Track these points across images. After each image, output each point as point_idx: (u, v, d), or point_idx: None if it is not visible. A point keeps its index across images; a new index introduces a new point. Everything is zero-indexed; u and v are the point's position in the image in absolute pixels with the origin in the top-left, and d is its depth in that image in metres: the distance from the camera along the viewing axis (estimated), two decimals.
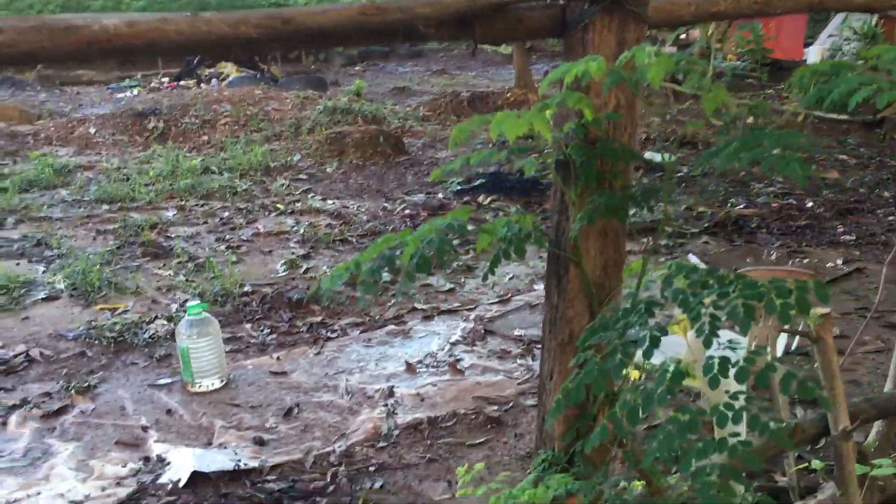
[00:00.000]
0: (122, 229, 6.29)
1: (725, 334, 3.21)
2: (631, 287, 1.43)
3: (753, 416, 1.13)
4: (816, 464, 1.59)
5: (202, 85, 13.92)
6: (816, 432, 1.60)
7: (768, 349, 2.88)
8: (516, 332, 4.51)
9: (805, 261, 5.70)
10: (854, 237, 6.18)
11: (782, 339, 2.96)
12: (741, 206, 6.94)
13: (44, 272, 5.38)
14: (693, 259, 5.72)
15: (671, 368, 1.17)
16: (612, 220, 1.18)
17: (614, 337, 1.15)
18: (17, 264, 5.56)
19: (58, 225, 6.49)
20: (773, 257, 5.78)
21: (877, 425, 1.78)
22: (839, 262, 5.66)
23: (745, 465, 1.12)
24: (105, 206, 7.02)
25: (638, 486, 1.52)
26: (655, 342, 1.14)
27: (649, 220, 6.61)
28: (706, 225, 6.46)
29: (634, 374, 1.29)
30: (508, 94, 11.86)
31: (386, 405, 3.67)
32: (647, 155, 8.80)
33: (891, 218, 6.69)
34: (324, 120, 10.02)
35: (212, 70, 14.33)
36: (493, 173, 7.78)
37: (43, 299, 4.92)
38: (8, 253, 5.82)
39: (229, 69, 14.17)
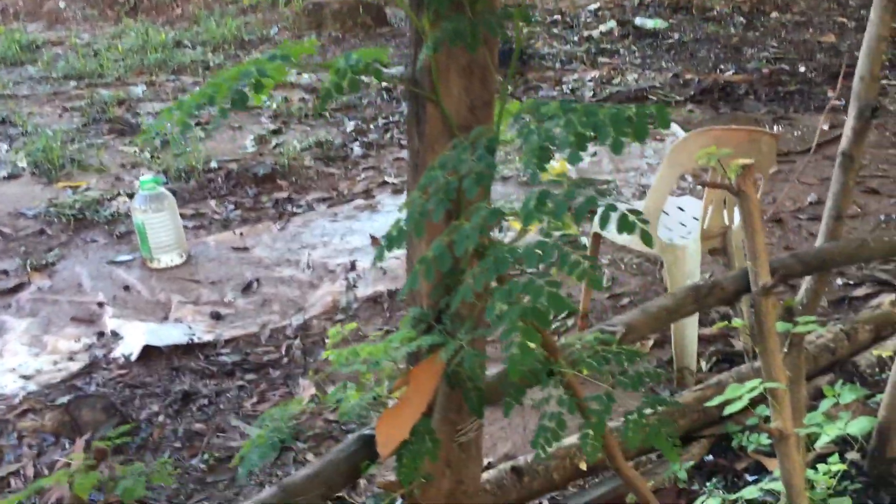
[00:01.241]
0: (88, 106, 6.10)
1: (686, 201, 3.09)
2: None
3: (564, 256, 1.03)
4: (737, 322, 1.53)
5: None
6: (736, 289, 1.52)
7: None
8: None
9: (790, 126, 5.54)
10: (844, 102, 5.97)
11: None
12: (730, 73, 6.69)
13: (7, 150, 5.24)
14: (675, 128, 5.55)
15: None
16: (481, 54, 1.04)
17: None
18: None
19: (23, 102, 6.29)
20: (758, 124, 5.61)
21: (806, 281, 1.70)
22: (825, 127, 5.48)
23: (554, 307, 1.03)
24: (73, 83, 6.79)
25: None
26: (481, 179, 1.02)
27: (634, 90, 6.43)
28: (692, 93, 6.24)
29: (515, 224, 1.19)
30: None
31: (347, 279, 3.62)
32: (638, 21, 8.45)
33: (883, 82, 6.46)
34: None
35: None
36: None
37: (4, 178, 4.80)
38: None
39: None
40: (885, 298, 3.16)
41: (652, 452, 2.33)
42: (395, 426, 1.11)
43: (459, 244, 1.04)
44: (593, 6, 9.42)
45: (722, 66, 6.91)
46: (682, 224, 2.88)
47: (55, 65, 7.23)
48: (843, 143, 1.70)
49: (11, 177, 4.82)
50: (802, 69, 6.79)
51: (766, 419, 1.63)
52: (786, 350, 1.71)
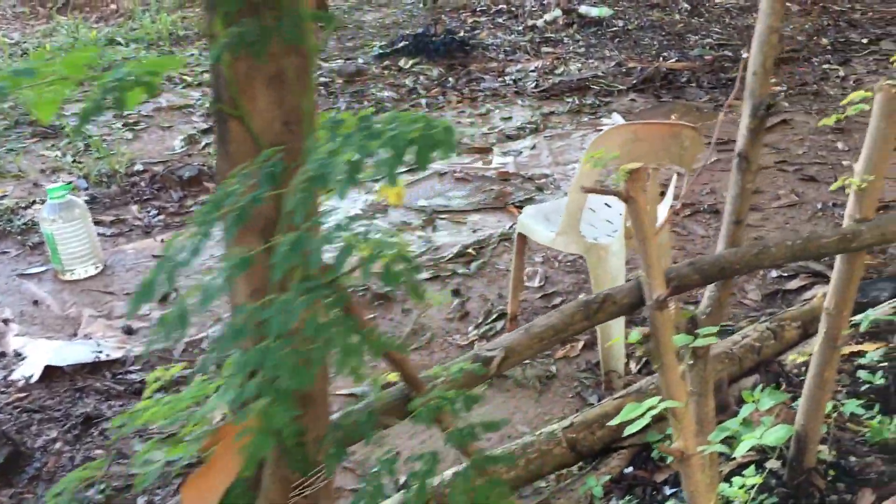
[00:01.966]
0: (12, 109, 5.84)
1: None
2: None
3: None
4: (633, 336, 1.43)
5: None
6: (630, 302, 1.41)
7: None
8: (420, 203, 4.29)
9: (732, 114, 5.48)
10: (785, 88, 5.95)
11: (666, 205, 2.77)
12: (673, 60, 6.62)
13: None
14: (616, 118, 5.47)
15: None
16: (294, 61, 0.91)
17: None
18: None
19: None
20: (700, 112, 5.54)
21: (709, 289, 1.60)
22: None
23: (297, 382, 0.90)
24: None
25: None
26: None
27: (577, 79, 6.34)
28: (634, 81, 6.17)
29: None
30: None
31: None
32: (583, 9, 8.36)
33: (825, 66, 6.44)
34: None
35: None
36: (417, 34, 7.33)
37: None
38: None
39: None
40: (819, 291, 3.10)
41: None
42: (204, 492, 0.98)
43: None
44: None
45: (665, 54, 6.85)
46: (608, 221, 2.78)
47: None
48: (739, 143, 1.60)
49: None
50: (745, 55, 6.74)
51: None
52: (690, 362, 1.61)
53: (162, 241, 3.90)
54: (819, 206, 4.04)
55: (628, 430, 1.51)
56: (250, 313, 0.95)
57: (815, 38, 7.32)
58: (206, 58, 7.17)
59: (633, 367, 2.83)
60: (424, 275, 3.54)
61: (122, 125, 5.55)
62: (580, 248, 2.66)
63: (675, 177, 2.76)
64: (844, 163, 4.57)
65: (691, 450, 1.47)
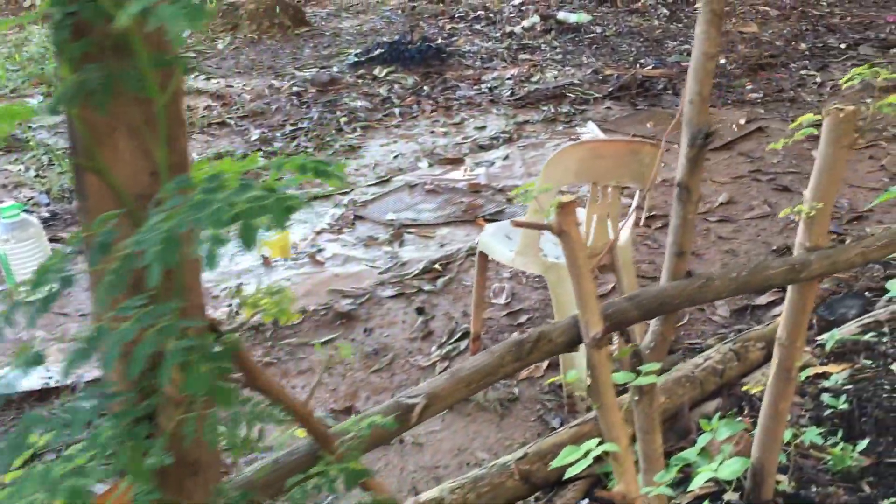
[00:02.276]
0: None
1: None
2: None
3: None
4: (571, 376, 1.35)
5: None
6: (566, 340, 1.34)
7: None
8: (388, 217, 4.21)
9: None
10: (762, 94, 5.90)
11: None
12: (650, 67, 6.57)
13: None
14: (591, 126, 5.42)
15: None
16: (170, 108, 0.83)
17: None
18: None
19: None
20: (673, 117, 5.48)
21: (653, 324, 1.54)
22: (742, 121, 5.39)
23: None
24: None
25: None
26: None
27: (553, 87, 6.27)
28: (611, 89, 6.11)
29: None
30: None
31: (230, 305, 3.39)
32: (561, 15, 8.31)
33: (803, 72, 6.41)
34: None
35: None
36: (393, 42, 7.26)
37: None
38: None
39: None
40: None
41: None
42: None
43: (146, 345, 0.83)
44: (517, 1, 9.26)
45: (642, 61, 6.80)
46: None
47: None
48: (679, 173, 1.52)
49: None
50: (722, 61, 6.71)
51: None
52: (636, 398, 1.54)
53: None
54: (793, 217, 3.98)
55: (569, 473, 1.44)
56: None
57: (793, 43, 7.29)
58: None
59: None
60: (389, 292, 3.46)
61: None
62: (539, 268, 2.60)
63: (637, 192, 2.69)
64: None
65: (634, 493, 1.40)
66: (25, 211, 3.58)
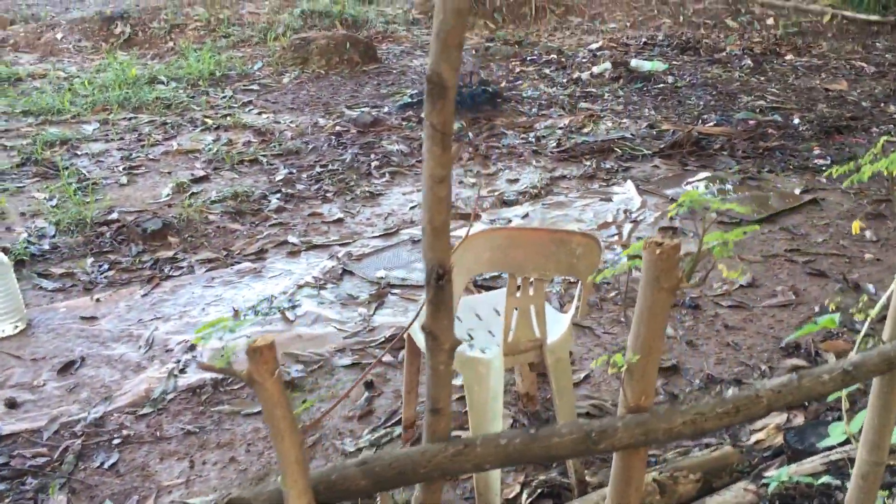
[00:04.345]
0: (30, 145, 5.92)
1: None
2: None
3: None
4: None
5: None
6: None
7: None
8: (379, 273, 4.00)
9: (758, 189, 4.96)
10: (829, 161, 5.37)
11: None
12: (711, 123, 6.13)
13: None
14: (629, 186, 5.05)
15: None
16: None
17: None
18: None
19: None
20: (724, 184, 5.05)
21: (417, 489, 1.25)
22: (797, 190, 4.91)
23: None
24: (29, 119, 6.66)
25: None
26: None
27: (602, 140, 5.93)
28: (662, 145, 5.72)
29: None
30: None
31: (178, 361, 3.24)
32: (633, 62, 7.95)
33: (885, 138, 5.80)
34: (297, 25, 9.38)
35: None
36: None
37: None
38: None
39: None
40: (766, 422, 2.63)
41: None
42: None
43: None
44: (595, 45, 8.94)
45: (705, 116, 6.35)
46: (490, 333, 2.41)
47: (20, 99, 7.12)
48: (424, 316, 1.23)
49: None
50: (796, 121, 6.19)
51: None
52: None
53: (97, 300, 3.76)
54: (817, 308, 3.53)
55: None
56: None
57: (882, 104, 6.67)
58: (239, 100, 7.15)
59: (525, 499, 2.44)
60: (346, 360, 3.24)
61: (124, 168, 5.52)
62: (456, 363, 2.31)
63: (580, 283, 2.37)
64: (867, 256, 4.02)
65: None
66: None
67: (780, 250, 4.13)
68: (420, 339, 2.46)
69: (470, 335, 2.44)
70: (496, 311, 2.49)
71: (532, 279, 2.20)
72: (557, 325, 2.37)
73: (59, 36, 9.49)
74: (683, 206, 1.24)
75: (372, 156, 5.71)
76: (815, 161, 5.40)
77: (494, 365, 2.28)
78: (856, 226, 3.84)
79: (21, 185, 5.23)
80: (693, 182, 5.10)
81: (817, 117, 6.27)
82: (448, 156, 0.98)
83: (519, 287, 2.22)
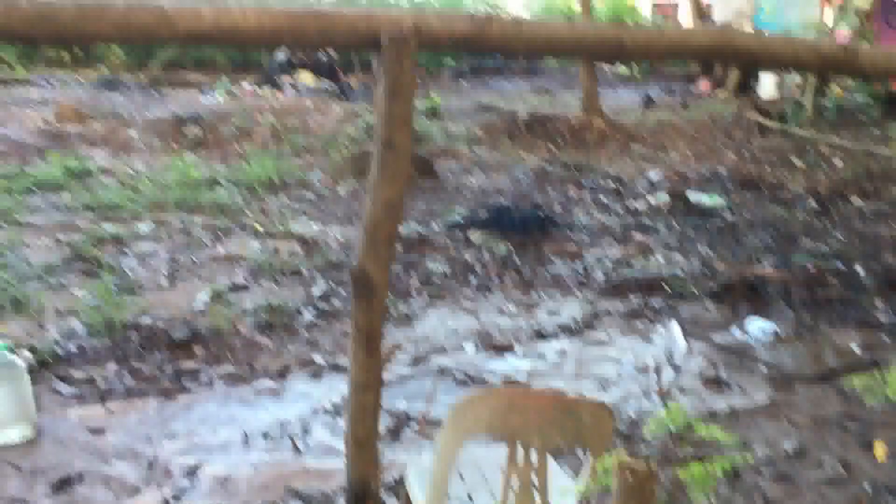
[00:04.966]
0: (82, 241, 6.03)
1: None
2: None
3: None
4: None
5: (279, 94, 13.85)
6: None
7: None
8: (398, 405, 3.83)
9: (813, 342, 4.67)
10: (893, 318, 5.06)
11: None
12: (768, 267, 5.89)
13: None
14: (674, 329, 4.82)
15: None
16: None
17: None
18: None
19: (26, 231, 6.31)
20: (777, 334, 4.78)
21: None
22: (856, 347, 4.60)
23: None
24: (89, 215, 6.82)
25: None
26: None
27: (652, 276, 5.73)
28: (714, 287, 5.49)
29: None
30: (572, 119, 11.04)
31: (176, 487, 3.10)
32: (692, 196, 7.80)
33: None
34: (361, 136, 9.58)
35: (291, 78, 14.21)
36: (499, 206, 7.06)
37: None
38: None
39: (306, 77, 14.02)
40: None
41: None
42: None
43: None
44: (655, 176, 8.87)
45: (763, 258, 6.12)
46: (492, 496, 2.21)
47: (84, 194, 7.33)
48: None
49: None
50: (859, 270, 5.90)
51: None
52: None
53: (111, 410, 3.67)
54: (869, 488, 3.20)
55: None
56: None
57: None
58: (292, 207, 7.22)
59: None
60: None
61: (167, 271, 5.55)
62: None
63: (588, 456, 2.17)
64: None
65: None
66: (11, 351, 3.53)
67: (831, 414, 3.82)
68: (415, 493, 2.27)
69: (470, 497, 2.24)
70: (503, 472, 2.29)
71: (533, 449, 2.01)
72: (566, 498, 2.15)
73: (133, 134, 9.87)
74: (660, 429, 1.07)
75: (413, 275, 5.63)
76: (879, 315, 5.10)
77: None
78: (878, 450, 3.46)
79: (64, 281, 5.29)
80: (743, 327, 4.84)
81: (883, 268, 5.97)
82: (375, 361, 0.85)
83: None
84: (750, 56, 2.16)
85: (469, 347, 4.52)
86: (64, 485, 3.10)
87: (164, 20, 1.73)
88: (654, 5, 22.11)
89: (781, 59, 2.14)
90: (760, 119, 11.04)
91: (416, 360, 4.34)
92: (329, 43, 1.95)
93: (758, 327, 4.83)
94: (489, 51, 2.12)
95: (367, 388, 0.80)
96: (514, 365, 4.31)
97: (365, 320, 0.84)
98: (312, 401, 3.85)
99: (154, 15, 1.72)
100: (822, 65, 2.18)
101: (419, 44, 1.77)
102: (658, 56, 1.72)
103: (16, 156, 8.77)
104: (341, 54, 15.58)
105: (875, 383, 3.73)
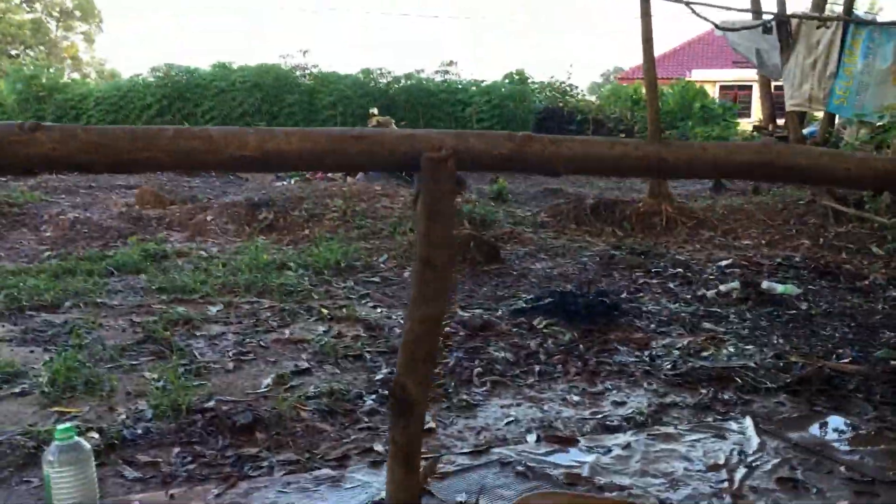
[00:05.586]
0: (155, 323, 6.20)
1: None
2: None
3: None
4: None
5: (350, 179, 14.23)
6: None
7: None
8: (459, 498, 3.74)
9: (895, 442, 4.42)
10: None
11: None
12: (845, 360, 5.65)
13: (44, 363, 5.33)
14: (748, 423, 4.64)
15: None
16: None
17: None
18: (31, 351, 5.59)
19: (103, 312, 6.54)
20: (857, 433, 4.54)
21: None
22: None
23: None
24: (163, 297, 7.03)
25: None
26: None
27: (722, 367, 5.56)
28: (788, 380, 5.28)
29: None
30: (639, 204, 10.99)
31: None
32: (765, 284, 7.62)
33: None
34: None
35: None
36: (563, 292, 7.01)
37: (15, 393, 4.82)
38: (34, 338, 5.88)
39: None
40: None
41: None
42: None
43: None
44: (725, 262, 8.70)
45: (841, 351, 5.88)
46: None
47: (160, 276, 7.58)
48: None
49: (23, 393, 4.83)
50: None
51: None
52: None
53: (171, 495, 3.69)
54: None
55: None
56: None
57: None
58: (358, 291, 7.31)
59: None
60: None
61: (234, 353, 5.64)
62: None
63: None
64: None
65: None
66: (79, 434, 3.60)
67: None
68: None
69: None
70: None
71: None
72: None
73: (209, 218, 10.22)
74: None
75: (476, 361, 5.59)
76: None
77: None
78: None
79: (136, 363, 5.42)
80: (820, 425, 4.62)
81: None
82: (413, 477, 0.83)
83: None
84: (800, 174, 2.14)
85: (531, 439, 4.42)
86: None
87: (210, 146, 1.82)
88: (721, 87, 22.32)
89: (834, 177, 2.12)
90: (836, 205, 10.79)
91: (476, 451, 4.26)
92: (371, 165, 2.02)
93: (837, 425, 4.60)
94: (529, 171, 2.16)
95: None
96: (576, 458, 4.19)
97: (403, 437, 0.83)
98: (371, 490, 3.80)
99: (201, 140, 1.81)
100: (876, 183, 2.14)
101: (459, 163, 1.82)
102: (702, 175, 1.72)
103: (99, 240, 9.15)
104: None
105: None
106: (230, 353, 5.65)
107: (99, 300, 6.90)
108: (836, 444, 4.45)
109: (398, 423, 0.80)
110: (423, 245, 1.31)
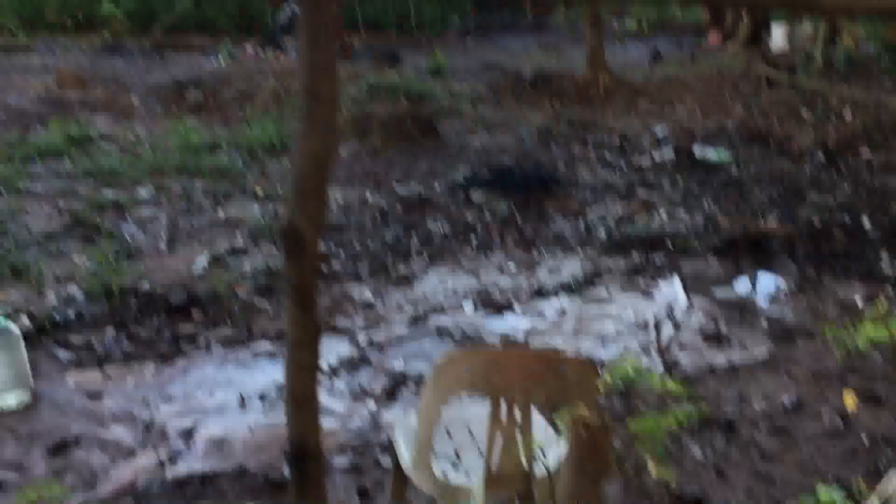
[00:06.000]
0: (83, 208, 6.02)
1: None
2: None
3: None
4: None
5: (281, 56, 13.73)
6: None
7: None
8: (397, 365, 3.82)
9: (816, 297, 4.62)
10: None
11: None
12: (774, 222, 5.81)
13: None
14: (676, 284, 4.78)
15: None
16: None
17: None
18: None
19: (26, 199, 6.31)
20: (779, 289, 4.72)
21: None
22: (859, 301, 4.55)
23: None
24: (89, 181, 6.80)
25: None
26: None
27: (654, 233, 5.67)
28: (717, 243, 5.42)
29: None
30: (578, 76, 10.89)
31: (170, 448, 3.11)
32: (698, 152, 7.70)
33: None
34: (363, 97, 9.47)
35: (294, 40, 14.06)
36: (503, 167, 6.99)
37: None
38: None
39: None
40: None
41: None
42: None
43: None
44: (661, 132, 8.75)
45: (768, 213, 6.04)
46: (480, 454, 2.19)
47: (84, 161, 7.30)
48: None
49: None
50: (866, 223, 5.82)
51: None
52: None
53: (108, 375, 3.68)
54: (867, 440, 3.17)
55: None
56: None
57: None
58: (288, 172, 7.20)
59: None
60: (344, 461, 3.05)
61: (167, 236, 5.53)
62: (430, 488, 2.10)
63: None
64: None
65: None
66: (7, 317, 3.53)
67: (832, 368, 3.78)
68: (401, 451, 2.26)
69: (457, 454, 2.23)
70: (469, 432, 2.28)
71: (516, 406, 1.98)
72: (554, 449, 2.12)
73: (134, 99, 9.81)
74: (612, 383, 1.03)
75: (414, 236, 5.60)
76: (886, 270, 5.03)
77: (475, 493, 2.06)
78: (848, 399, 3.43)
79: (64, 248, 5.28)
80: (746, 283, 4.79)
81: (890, 220, 5.89)
82: (311, 318, 0.82)
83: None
84: None
85: (468, 307, 4.50)
86: (60, 448, 3.11)
87: None
88: None
89: None
90: (769, 72, 10.85)
91: (415, 321, 4.32)
92: None
93: (761, 282, 4.78)
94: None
95: (304, 346, 0.78)
96: (512, 324, 4.29)
97: (298, 277, 0.81)
98: None
99: None
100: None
101: None
102: None
103: (17, 123, 8.73)
104: (345, 15, 15.41)
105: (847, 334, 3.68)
106: (162, 236, 5.54)
107: (21, 186, 6.63)
108: (759, 301, 4.63)
109: (292, 262, 0.78)
110: (306, 75, 1.25)
